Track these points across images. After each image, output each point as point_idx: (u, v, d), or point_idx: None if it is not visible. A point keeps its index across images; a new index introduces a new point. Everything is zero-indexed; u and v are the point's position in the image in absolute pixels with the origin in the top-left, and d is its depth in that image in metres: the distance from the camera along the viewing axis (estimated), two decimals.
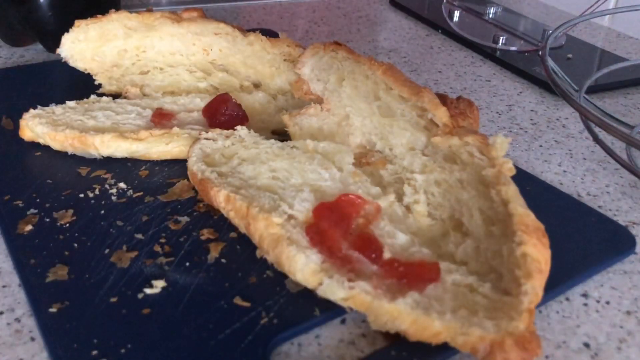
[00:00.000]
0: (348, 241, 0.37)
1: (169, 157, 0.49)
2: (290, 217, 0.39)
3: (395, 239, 0.39)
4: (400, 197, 0.43)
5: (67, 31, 0.56)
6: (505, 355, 0.30)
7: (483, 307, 0.34)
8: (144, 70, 0.59)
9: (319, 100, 0.51)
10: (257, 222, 0.38)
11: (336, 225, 0.38)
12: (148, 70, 0.59)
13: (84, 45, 0.57)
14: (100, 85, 0.59)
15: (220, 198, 0.41)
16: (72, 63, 0.57)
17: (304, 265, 0.35)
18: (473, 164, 0.39)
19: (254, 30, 0.58)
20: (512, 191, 0.36)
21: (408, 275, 0.35)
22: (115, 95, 0.58)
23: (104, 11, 0.57)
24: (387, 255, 0.37)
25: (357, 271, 0.36)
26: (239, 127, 0.49)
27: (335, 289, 0.34)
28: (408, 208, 0.42)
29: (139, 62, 0.58)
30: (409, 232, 0.40)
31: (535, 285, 0.32)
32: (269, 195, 0.41)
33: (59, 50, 0.56)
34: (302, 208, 0.40)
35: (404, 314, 0.33)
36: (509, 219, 0.35)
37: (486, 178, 0.38)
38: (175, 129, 0.49)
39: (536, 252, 0.33)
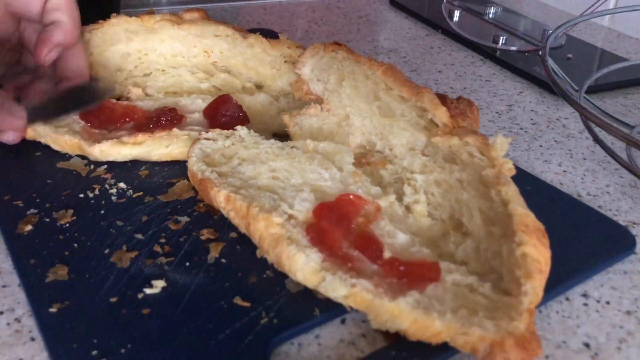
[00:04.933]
0: (348, 240, 0.37)
1: (169, 158, 0.49)
2: (290, 216, 0.39)
3: (396, 239, 0.39)
4: (400, 197, 0.43)
5: None
6: (506, 355, 0.30)
7: (483, 307, 0.34)
8: (146, 72, 0.59)
9: (319, 101, 0.51)
10: (257, 222, 0.38)
11: (336, 225, 0.38)
12: (150, 72, 0.59)
13: (87, 52, 0.57)
14: None
15: (220, 198, 0.41)
16: None
17: (304, 265, 0.35)
18: (473, 164, 0.39)
19: (254, 31, 0.58)
20: (512, 191, 0.36)
21: (408, 275, 0.35)
22: (118, 98, 0.57)
23: (104, 11, 0.57)
24: (387, 254, 0.37)
25: (358, 270, 0.36)
26: (239, 127, 0.49)
27: (337, 286, 0.34)
28: (408, 208, 0.42)
29: (142, 64, 0.58)
30: (409, 231, 0.40)
31: (535, 286, 0.32)
32: (269, 195, 0.41)
33: None
34: (302, 208, 0.40)
35: (404, 313, 0.33)
36: (509, 219, 0.35)
37: (486, 178, 0.38)
38: (175, 131, 0.49)
39: (536, 252, 0.33)
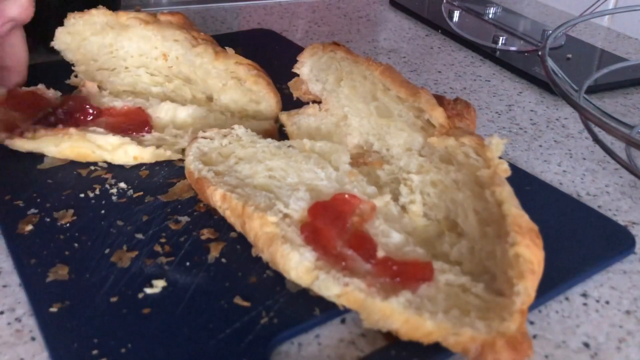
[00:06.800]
0: (343, 239, 0.37)
1: (62, 157, 0.48)
2: (286, 215, 0.39)
3: (390, 238, 0.39)
4: (396, 197, 0.43)
5: None
6: (496, 355, 0.30)
7: (475, 308, 0.34)
8: (113, 67, 0.59)
9: (318, 100, 0.51)
10: (252, 220, 0.38)
11: (331, 224, 0.38)
12: (115, 68, 0.59)
13: (71, 37, 0.57)
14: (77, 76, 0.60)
15: (216, 197, 0.41)
16: (63, 54, 0.58)
17: (297, 263, 0.35)
18: (469, 164, 0.39)
19: (254, 31, 0.58)
20: (506, 192, 0.36)
21: (401, 274, 0.35)
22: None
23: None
24: (381, 254, 0.36)
25: (351, 269, 0.36)
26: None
27: (330, 285, 0.34)
28: (404, 208, 0.42)
29: (112, 59, 0.58)
30: (404, 231, 0.40)
31: (527, 286, 0.32)
32: (264, 194, 0.41)
33: (52, 43, 0.57)
34: (298, 207, 0.40)
35: (396, 313, 0.33)
36: (503, 219, 0.35)
37: (481, 179, 0.38)
38: (72, 130, 0.48)
39: (529, 252, 0.33)
